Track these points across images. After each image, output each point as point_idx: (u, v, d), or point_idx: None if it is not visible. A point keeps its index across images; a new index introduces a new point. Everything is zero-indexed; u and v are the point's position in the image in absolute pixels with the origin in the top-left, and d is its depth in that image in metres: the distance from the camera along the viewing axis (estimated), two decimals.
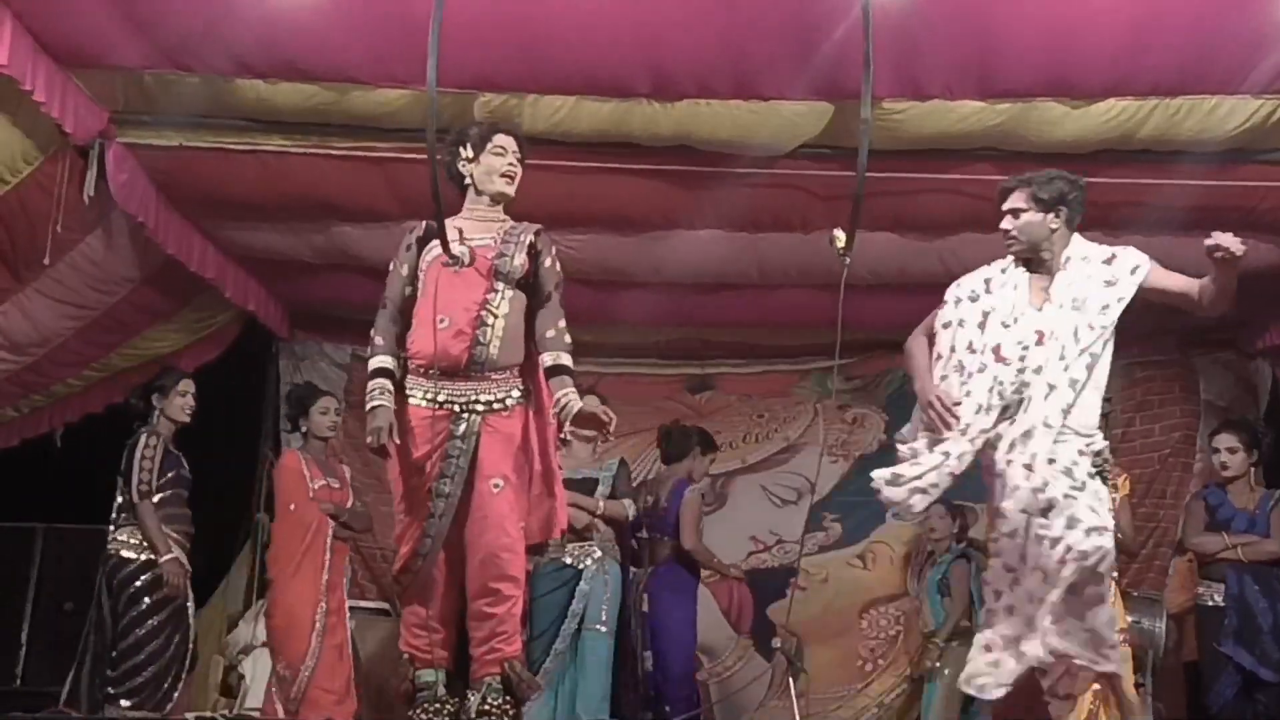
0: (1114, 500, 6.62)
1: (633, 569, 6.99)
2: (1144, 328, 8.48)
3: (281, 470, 6.67)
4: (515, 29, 5.57)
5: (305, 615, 6.32)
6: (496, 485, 4.45)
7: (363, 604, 7.99)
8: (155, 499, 6.31)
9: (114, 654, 6.16)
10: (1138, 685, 6.62)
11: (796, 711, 6.53)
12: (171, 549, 6.26)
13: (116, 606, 6.21)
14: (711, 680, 8.74)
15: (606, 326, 8.29)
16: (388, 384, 4.56)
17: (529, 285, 4.66)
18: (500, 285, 4.57)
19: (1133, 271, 4.53)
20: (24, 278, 6.67)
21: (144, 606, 6.21)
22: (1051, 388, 4.45)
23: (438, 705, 4.51)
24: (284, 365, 9.12)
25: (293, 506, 6.48)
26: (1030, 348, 4.51)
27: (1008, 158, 6.23)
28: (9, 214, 6.17)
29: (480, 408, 4.50)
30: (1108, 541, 4.35)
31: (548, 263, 4.68)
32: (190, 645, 6.41)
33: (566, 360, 4.55)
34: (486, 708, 4.38)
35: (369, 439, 4.51)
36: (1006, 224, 4.66)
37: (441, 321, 4.50)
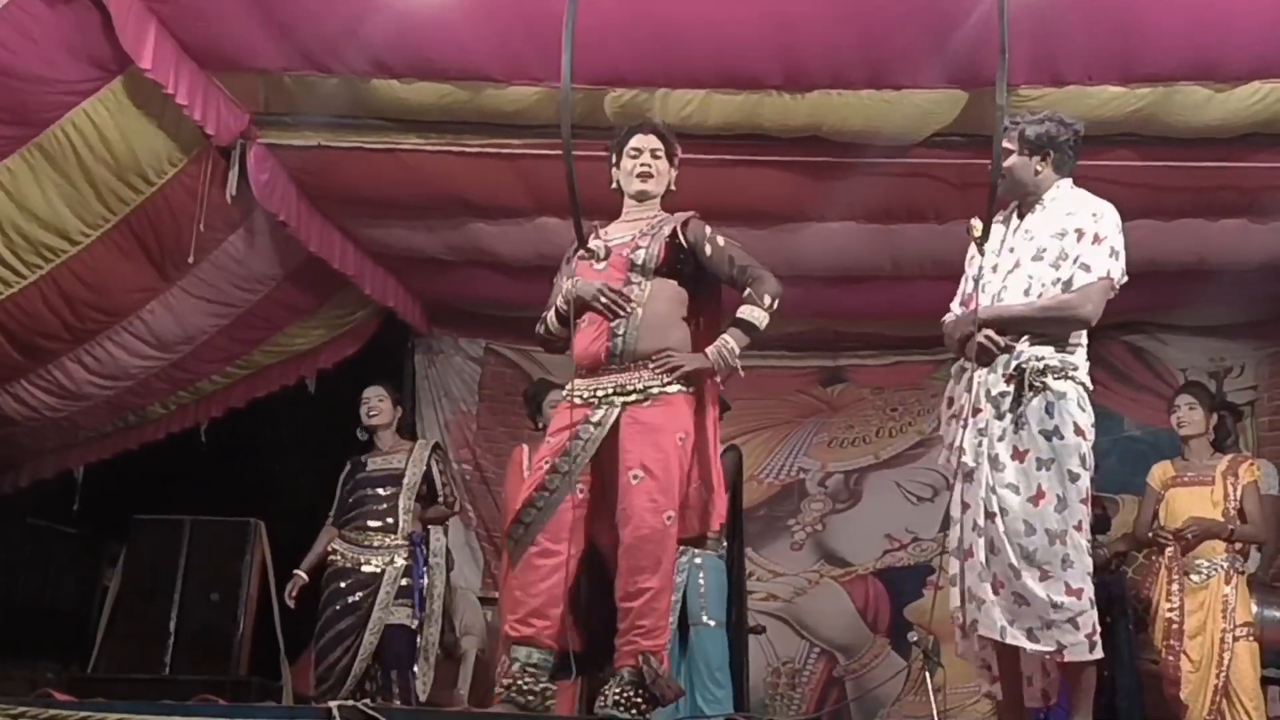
0: (1235, 486, 6.29)
1: None
2: None
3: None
4: (645, 24, 5.58)
5: None
6: (635, 477, 4.42)
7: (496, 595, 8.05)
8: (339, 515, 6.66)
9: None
10: (1274, 681, 6.41)
11: (934, 705, 6.43)
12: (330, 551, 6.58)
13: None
14: (848, 677, 8.70)
15: None
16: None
17: (684, 274, 4.63)
18: (636, 277, 4.56)
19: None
20: (170, 277, 6.85)
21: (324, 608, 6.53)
22: None
23: (521, 683, 4.37)
24: (419, 360, 9.24)
25: None
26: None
27: (1149, 143, 6.12)
28: (155, 215, 6.34)
29: (619, 399, 4.51)
30: None
31: (709, 250, 4.58)
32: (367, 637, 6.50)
33: (747, 315, 4.53)
34: (618, 698, 4.37)
35: (596, 299, 4.48)
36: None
37: (581, 320, 4.55)
